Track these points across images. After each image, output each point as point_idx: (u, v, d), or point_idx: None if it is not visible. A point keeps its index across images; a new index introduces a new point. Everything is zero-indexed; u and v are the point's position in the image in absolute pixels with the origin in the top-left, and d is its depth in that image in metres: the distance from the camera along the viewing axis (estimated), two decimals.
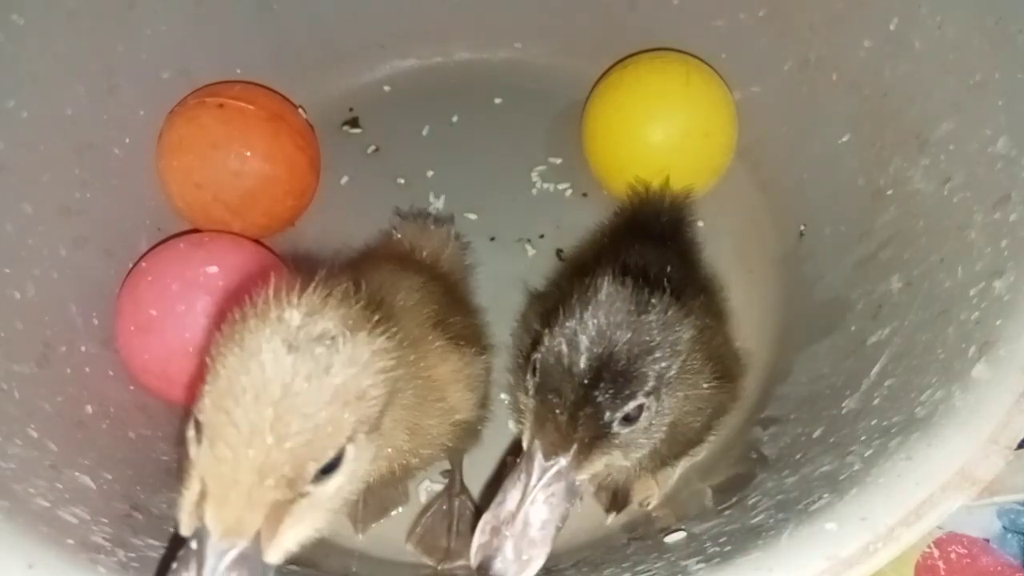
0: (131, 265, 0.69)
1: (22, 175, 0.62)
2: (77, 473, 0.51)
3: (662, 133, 0.75)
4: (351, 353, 0.38)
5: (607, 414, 0.45)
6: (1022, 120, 0.53)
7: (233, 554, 0.37)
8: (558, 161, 0.85)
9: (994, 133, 0.54)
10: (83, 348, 0.63)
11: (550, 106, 0.88)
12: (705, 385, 0.53)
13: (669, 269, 0.59)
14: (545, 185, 0.84)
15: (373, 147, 0.87)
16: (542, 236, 0.81)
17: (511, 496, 0.45)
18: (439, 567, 0.62)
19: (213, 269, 0.63)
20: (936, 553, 0.61)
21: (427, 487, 0.67)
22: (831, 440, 0.52)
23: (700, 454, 0.64)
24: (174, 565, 0.38)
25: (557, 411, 0.45)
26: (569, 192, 0.84)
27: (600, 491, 0.65)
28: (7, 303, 0.58)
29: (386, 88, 0.91)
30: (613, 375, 0.44)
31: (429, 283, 0.60)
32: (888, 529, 0.40)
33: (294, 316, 0.37)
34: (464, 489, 0.65)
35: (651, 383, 0.46)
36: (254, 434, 0.35)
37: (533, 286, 0.72)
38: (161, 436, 0.64)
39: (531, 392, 0.47)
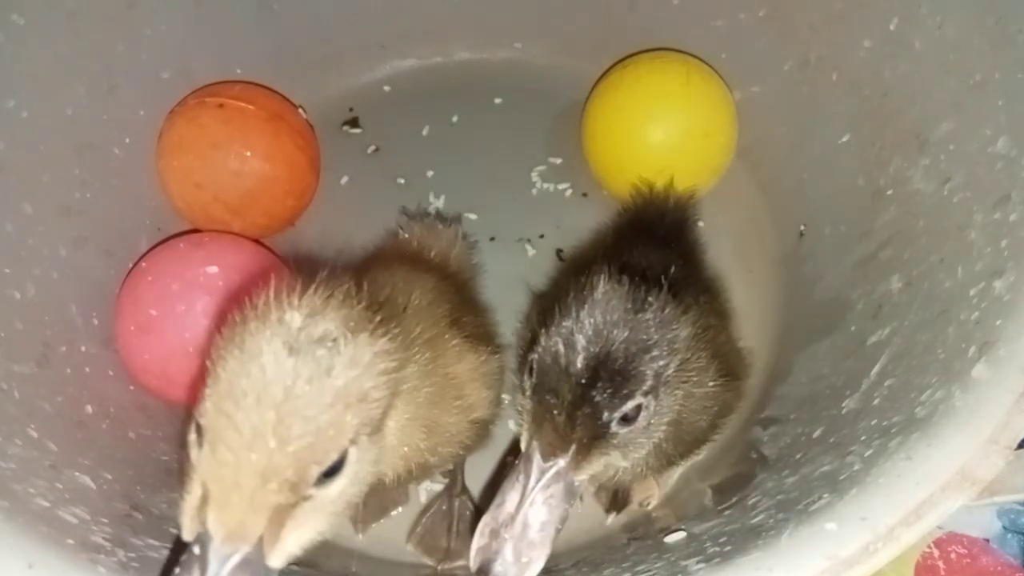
0: (131, 265, 0.69)
1: (22, 175, 0.62)
2: (77, 473, 0.51)
3: (662, 133, 0.75)
4: (352, 355, 0.37)
5: (605, 414, 0.45)
6: (1022, 120, 0.53)
7: (236, 559, 0.36)
8: (558, 161, 0.85)
9: (994, 133, 0.54)
10: (83, 348, 0.63)
11: (550, 106, 0.88)
12: (711, 383, 0.53)
13: (672, 270, 0.59)
14: (545, 185, 0.84)
15: (373, 147, 0.87)
16: (542, 236, 0.81)
17: (510, 498, 0.45)
18: (439, 567, 0.62)
19: (213, 269, 0.63)
20: (936, 553, 0.61)
21: (427, 487, 0.67)
22: (831, 440, 0.52)
23: (700, 454, 0.64)
24: (177, 570, 0.38)
25: (554, 412, 0.44)
26: (569, 192, 0.84)
27: (600, 491, 0.65)
28: (7, 303, 0.58)
29: (386, 88, 0.91)
30: (610, 374, 0.44)
31: (441, 283, 0.60)
32: (888, 529, 0.39)
33: (295, 318, 0.37)
34: (464, 489, 0.65)
35: (649, 382, 0.45)
36: (256, 438, 0.35)
37: (534, 286, 0.72)
38: (161, 436, 0.64)
39: (528, 393, 0.47)
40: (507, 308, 0.71)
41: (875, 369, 0.54)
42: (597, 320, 0.45)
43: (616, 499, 0.64)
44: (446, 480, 0.66)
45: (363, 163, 0.86)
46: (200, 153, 0.72)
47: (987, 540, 0.63)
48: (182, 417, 0.68)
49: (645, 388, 0.45)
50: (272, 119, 0.75)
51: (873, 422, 0.49)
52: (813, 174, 0.75)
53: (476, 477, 0.66)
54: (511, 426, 0.67)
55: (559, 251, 0.79)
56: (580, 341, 0.45)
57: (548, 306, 0.48)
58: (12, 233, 0.61)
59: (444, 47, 0.92)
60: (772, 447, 0.59)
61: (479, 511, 0.64)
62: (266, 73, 0.81)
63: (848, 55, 0.70)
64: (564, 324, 0.45)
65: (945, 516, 0.40)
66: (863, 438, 0.48)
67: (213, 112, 0.73)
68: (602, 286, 0.46)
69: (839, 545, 0.40)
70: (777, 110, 0.79)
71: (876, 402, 0.52)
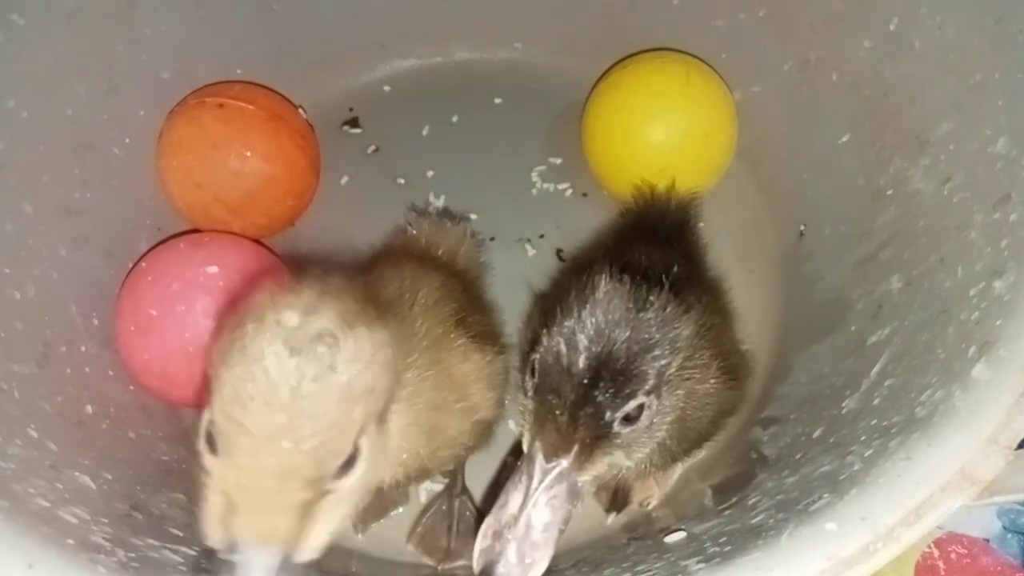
0: (131, 265, 0.69)
1: (22, 175, 0.62)
2: (77, 473, 0.51)
3: (662, 133, 0.75)
4: (353, 349, 0.37)
5: (608, 414, 0.44)
6: (1022, 120, 0.52)
7: (269, 561, 0.37)
8: (558, 161, 0.85)
9: (994, 133, 0.54)
10: (83, 348, 0.63)
11: (550, 106, 0.88)
12: (712, 380, 0.53)
13: (675, 269, 0.59)
14: (545, 185, 0.84)
15: (373, 147, 0.87)
16: (542, 236, 0.81)
17: (513, 499, 0.45)
18: (439, 567, 0.62)
19: (213, 269, 0.63)
20: (936, 553, 0.61)
21: (427, 487, 0.67)
22: (831, 440, 0.52)
23: (701, 453, 0.64)
24: None
25: (557, 412, 0.44)
26: (569, 192, 0.84)
27: (600, 491, 0.65)
28: (7, 303, 0.58)
29: (386, 88, 0.91)
30: (613, 374, 0.44)
31: (448, 281, 0.60)
32: (888, 529, 0.39)
33: (291, 317, 0.37)
34: (465, 489, 0.65)
35: (651, 381, 0.45)
36: (271, 440, 0.35)
37: (534, 286, 0.72)
38: (161, 436, 0.64)
39: (530, 393, 0.46)
40: (507, 308, 0.71)
41: (875, 369, 0.54)
42: (599, 320, 0.45)
43: (616, 499, 0.64)
44: (446, 480, 0.66)
45: (363, 163, 0.86)
46: (200, 153, 0.72)
47: (987, 540, 0.63)
48: (182, 417, 0.68)
49: (647, 387, 0.45)
50: (272, 119, 0.75)
51: (873, 422, 0.49)
52: (813, 174, 0.75)
53: (477, 477, 0.66)
54: (512, 426, 0.67)
55: (559, 251, 0.79)
56: (582, 341, 0.44)
57: (549, 306, 0.48)
58: (12, 233, 0.61)
59: (444, 47, 0.92)
60: (772, 447, 0.59)
61: (479, 511, 0.64)
62: (266, 73, 0.81)
63: (848, 55, 0.70)
64: (566, 324, 0.45)
65: (945, 516, 0.40)
66: (863, 438, 0.48)
67: (213, 112, 0.73)
68: (604, 285, 0.46)
69: (839, 545, 0.40)
70: (777, 110, 0.79)
71: (876, 402, 0.51)
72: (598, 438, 0.45)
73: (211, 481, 0.38)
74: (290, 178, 0.76)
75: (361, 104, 0.90)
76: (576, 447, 0.45)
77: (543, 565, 0.44)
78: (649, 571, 0.48)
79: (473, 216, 0.81)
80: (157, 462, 0.61)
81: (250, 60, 0.82)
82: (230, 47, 0.82)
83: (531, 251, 0.80)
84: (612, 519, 0.64)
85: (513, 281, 0.73)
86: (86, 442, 0.56)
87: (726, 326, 0.63)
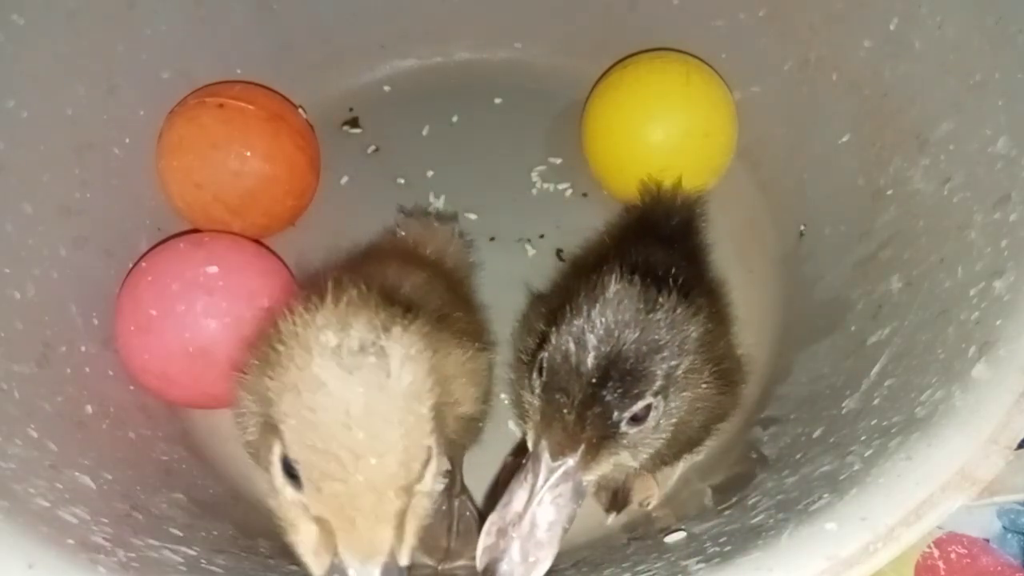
0: (131, 265, 0.69)
1: (22, 175, 0.62)
2: (77, 473, 0.51)
3: (662, 133, 0.75)
4: (399, 352, 0.38)
5: (615, 414, 0.44)
6: (1022, 120, 0.52)
7: (380, 573, 0.38)
8: (558, 161, 0.85)
9: (994, 133, 0.54)
10: (83, 348, 0.63)
11: (550, 106, 0.88)
12: (704, 385, 0.53)
13: (676, 270, 0.59)
14: (545, 185, 0.84)
15: (373, 147, 0.87)
16: (542, 236, 0.81)
17: (518, 497, 0.45)
18: (439, 567, 0.62)
19: (213, 269, 0.63)
20: (936, 553, 0.61)
21: None
22: (831, 440, 0.52)
23: (700, 454, 0.64)
24: None
25: (564, 411, 0.44)
26: (569, 192, 0.84)
27: (600, 491, 0.65)
28: (7, 303, 0.58)
29: (386, 88, 0.91)
30: (621, 374, 0.44)
31: (432, 279, 0.60)
32: (888, 529, 0.39)
33: (329, 338, 0.38)
34: (464, 489, 0.65)
35: (659, 382, 0.45)
36: (357, 459, 0.36)
37: (534, 286, 0.72)
38: (161, 436, 0.64)
39: (537, 391, 0.46)
40: (507, 308, 0.71)
41: (875, 369, 0.54)
42: (608, 319, 0.45)
43: (616, 499, 0.64)
44: (445, 480, 0.66)
45: (363, 163, 0.86)
46: (200, 153, 0.72)
47: (987, 540, 0.63)
48: (182, 417, 0.68)
49: (655, 388, 0.45)
50: (272, 119, 0.75)
51: (873, 422, 0.49)
52: (813, 174, 0.75)
53: (477, 477, 0.66)
54: (511, 427, 0.67)
55: (559, 251, 0.79)
56: (591, 340, 0.44)
57: (553, 306, 0.48)
58: (12, 233, 0.61)
59: (444, 47, 0.92)
60: (772, 447, 0.59)
61: (479, 511, 0.64)
62: (266, 73, 0.81)
63: (848, 55, 0.70)
64: (575, 323, 0.45)
65: (945, 516, 0.40)
66: (863, 438, 0.48)
67: (213, 112, 0.73)
68: (614, 285, 0.46)
69: (839, 545, 0.40)
70: (777, 110, 0.79)
71: (876, 402, 0.51)
72: (605, 438, 0.45)
73: (299, 513, 0.39)
74: (290, 178, 0.76)
75: (361, 104, 0.90)
76: (583, 446, 0.45)
77: (547, 564, 0.44)
78: (649, 571, 0.48)
79: (473, 216, 0.81)
80: (157, 462, 0.61)
81: (250, 60, 0.82)
82: (230, 47, 0.82)
83: (531, 251, 0.80)
84: (612, 519, 0.64)
85: (513, 281, 0.73)
86: (86, 442, 0.56)
87: (722, 330, 0.63)
